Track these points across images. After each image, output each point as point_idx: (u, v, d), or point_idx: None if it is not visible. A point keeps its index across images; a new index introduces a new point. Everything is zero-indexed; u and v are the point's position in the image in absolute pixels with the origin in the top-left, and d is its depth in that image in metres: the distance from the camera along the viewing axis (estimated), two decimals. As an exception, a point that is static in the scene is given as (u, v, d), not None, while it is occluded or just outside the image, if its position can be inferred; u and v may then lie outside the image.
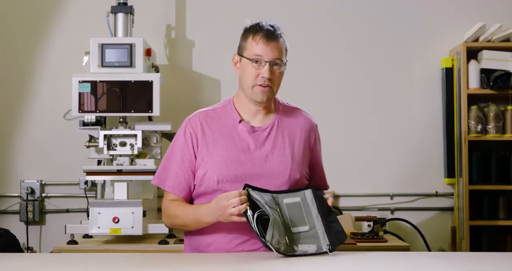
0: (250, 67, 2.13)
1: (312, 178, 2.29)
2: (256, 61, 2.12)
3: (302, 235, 1.98)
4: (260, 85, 2.13)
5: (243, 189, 1.99)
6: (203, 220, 2.07)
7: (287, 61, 2.19)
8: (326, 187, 2.38)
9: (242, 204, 1.93)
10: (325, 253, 1.95)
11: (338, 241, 2.00)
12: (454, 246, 3.84)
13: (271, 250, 1.91)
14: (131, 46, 3.34)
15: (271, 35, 2.12)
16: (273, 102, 2.26)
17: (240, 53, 2.18)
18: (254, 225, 1.91)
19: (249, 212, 1.92)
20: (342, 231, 2.03)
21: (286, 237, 1.96)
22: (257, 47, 2.12)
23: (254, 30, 2.14)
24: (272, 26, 2.14)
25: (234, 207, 1.93)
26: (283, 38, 2.16)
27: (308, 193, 2.04)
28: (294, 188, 2.09)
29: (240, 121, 2.19)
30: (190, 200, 2.22)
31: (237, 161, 2.13)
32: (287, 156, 2.17)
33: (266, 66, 2.11)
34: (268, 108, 2.23)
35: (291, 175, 2.15)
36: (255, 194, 1.97)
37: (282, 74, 2.18)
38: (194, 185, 2.18)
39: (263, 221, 1.93)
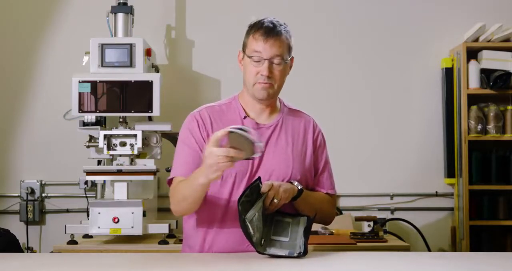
0: (250, 65, 2.12)
1: (315, 181, 2.26)
2: (256, 59, 2.11)
3: (281, 243, 1.99)
4: (261, 82, 2.12)
5: (255, 181, 1.98)
6: (195, 182, 1.95)
7: (290, 58, 2.15)
8: (328, 191, 2.26)
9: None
10: (292, 257, 1.93)
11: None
12: (454, 246, 3.84)
13: (247, 232, 1.90)
14: (131, 46, 3.34)
15: (270, 32, 2.09)
16: (278, 102, 2.25)
17: (243, 50, 2.17)
18: (239, 203, 1.90)
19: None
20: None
21: (263, 239, 1.97)
22: (256, 44, 2.10)
23: (255, 27, 2.13)
24: (272, 23, 2.11)
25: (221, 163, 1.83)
26: (286, 34, 2.12)
27: (303, 220, 2.02)
28: (292, 213, 2.07)
29: (245, 117, 2.18)
30: None
31: None
32: (289, 155, 2.16)
33: (265, 64, 2.09)
34: (272, 107, 2.21)
35: (293, 174, 2.14)
36: (257, 189, 1.98)
37: (284, 72, 2.15)
38: None
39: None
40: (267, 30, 2.09)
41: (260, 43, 2.09)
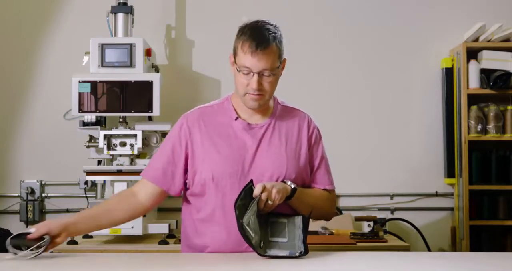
0: (240, 76, 2.08)
1: (311, 178, 2.25)
2: (246, 72, 2.06)
3: (280, 244, 1.99)
4: (251, 94, 2.09)
5: (248, 184, 1.97)
6: None
7: (280, 64, 2.10)
8: (326, 187, 2.25)
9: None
10: (294, 257, 1.93)
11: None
12: (454, 246, 3.84)
13: (246, 235, 1.89)
14: (131, 46, 3.34)
15: (259, 45, 2.02)
16: (272, 101, 2.23)
17: (234, 54, 2.12)
18: (236, 207, 1.90)
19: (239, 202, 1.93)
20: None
21: (262, 242, 1.96)
22: (245, 58, 2.04)
23: (243, 37, 2.05)
24: (260, 32, 2.04)
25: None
26: (274, 42, 2.05)
27: (298, 220, 2.02)
28: (286, 213, 2.07)
29: (237, 118, 2.17)
30: (183, 197, 2.22)
31: (232, 158, 2.10)
32: (282, 155, 2.14)
33: (254, 77, 2.05)
34: (265, 108, 2.19)
35: (287, 173, 2.12)
36: (251, 191, 1.97)
37: (275, 81, 2.10)
38: (186, 183, 2.16)
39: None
40: (255, 43, 2.02)
41: (248, 57, 2.03)
